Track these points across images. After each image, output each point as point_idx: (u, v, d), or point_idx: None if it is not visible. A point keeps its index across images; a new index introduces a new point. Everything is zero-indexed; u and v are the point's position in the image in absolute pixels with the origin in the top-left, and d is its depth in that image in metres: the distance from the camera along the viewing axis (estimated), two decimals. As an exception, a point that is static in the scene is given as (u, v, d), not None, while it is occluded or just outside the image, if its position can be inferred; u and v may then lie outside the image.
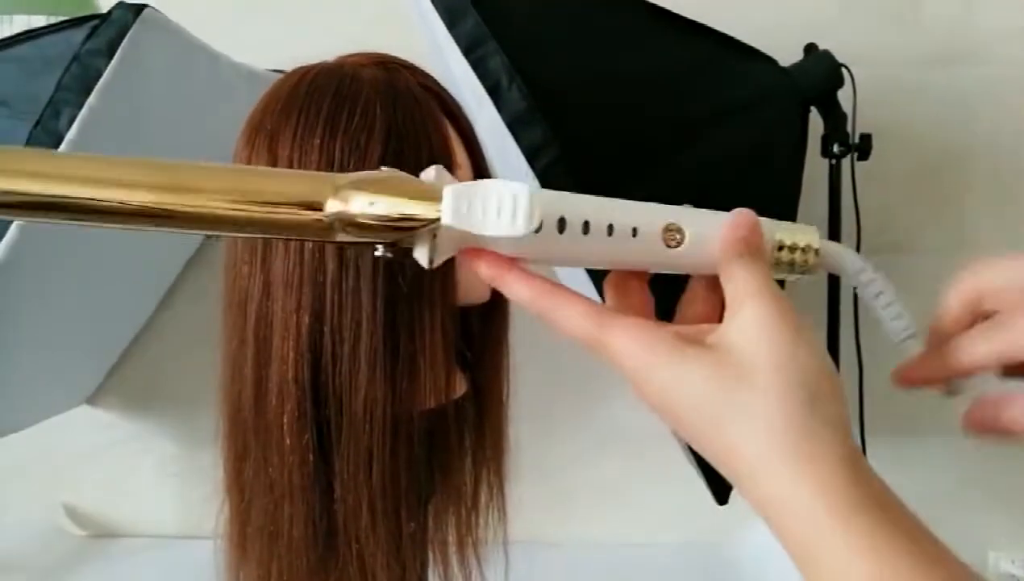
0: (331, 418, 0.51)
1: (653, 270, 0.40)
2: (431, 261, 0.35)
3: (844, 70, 0.94)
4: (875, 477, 0.30)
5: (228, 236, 0.49)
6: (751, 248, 0.35)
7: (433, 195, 0.34)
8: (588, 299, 0.35)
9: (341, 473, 0.51)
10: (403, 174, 0.35)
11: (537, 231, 0.34)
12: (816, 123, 0.96)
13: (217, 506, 0.58)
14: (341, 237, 0.34)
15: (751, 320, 0.32)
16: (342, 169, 0.51)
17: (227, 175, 0.34)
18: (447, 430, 0.58)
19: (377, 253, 0.35)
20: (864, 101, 0.98)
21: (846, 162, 0.99)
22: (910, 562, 0.27)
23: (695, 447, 0.33)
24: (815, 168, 0.98)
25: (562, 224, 0.35)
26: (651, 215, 0.37)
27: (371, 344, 0.50)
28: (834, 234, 1.00)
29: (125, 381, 1.24)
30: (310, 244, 0.50)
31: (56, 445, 1.24)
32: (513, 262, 0.36)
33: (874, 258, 0.41)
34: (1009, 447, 1.17)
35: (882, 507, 0.29)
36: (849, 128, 0.96)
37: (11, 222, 0.81)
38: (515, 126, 0.70)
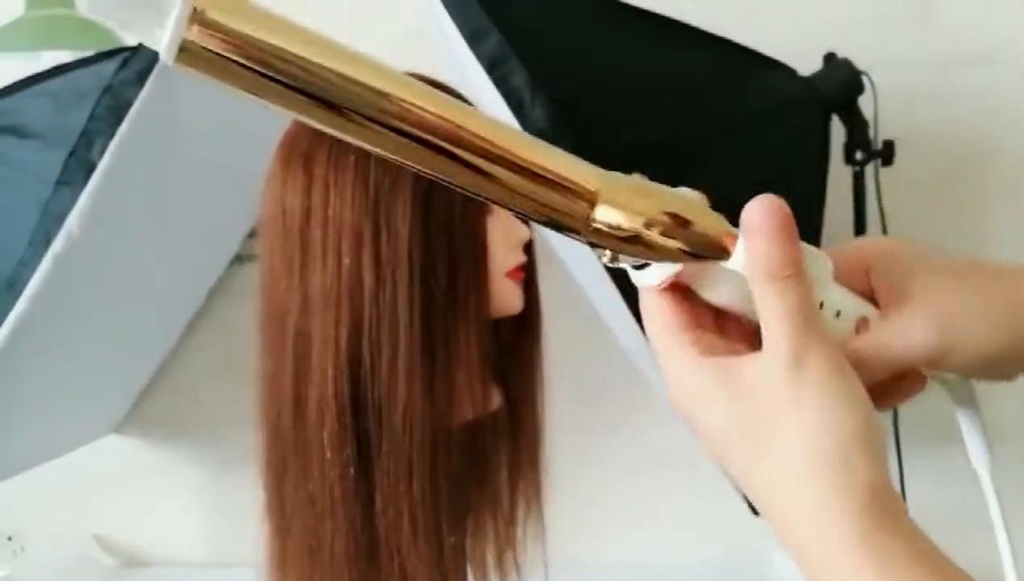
0: (371, 431, 0.51)
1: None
2: (660, 283, 0.34)
3: (864, 77, 0.94)
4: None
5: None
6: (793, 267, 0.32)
7: (721, 237, 0.34)
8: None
9: (382, 485, 0.51)
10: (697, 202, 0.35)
11: None
12: (838, 131, 0.96)
13: (248, 531, 0.58)
14: (593, 238, 0.32)
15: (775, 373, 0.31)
16: (377, 187, 0.51)
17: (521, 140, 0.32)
18: (484, 443, 0.58)
19: (604, 259, 0.34)
20: (885, 107, 0.98)
21: (870, 168, 0.98)
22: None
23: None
24: (839, 176, 0.97)
25: None
26: None
27: (409, 355, 0.50)
28: (860, 241, 1.00)
29: (152, 409, 1.25)
30: (347, 260, 0.51)
31: (85, 474, 1.24)
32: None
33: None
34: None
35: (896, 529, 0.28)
36: (871, 134, 0.96)
37: (44, 255, 0.82)
38: (540, 141, 0.70)
